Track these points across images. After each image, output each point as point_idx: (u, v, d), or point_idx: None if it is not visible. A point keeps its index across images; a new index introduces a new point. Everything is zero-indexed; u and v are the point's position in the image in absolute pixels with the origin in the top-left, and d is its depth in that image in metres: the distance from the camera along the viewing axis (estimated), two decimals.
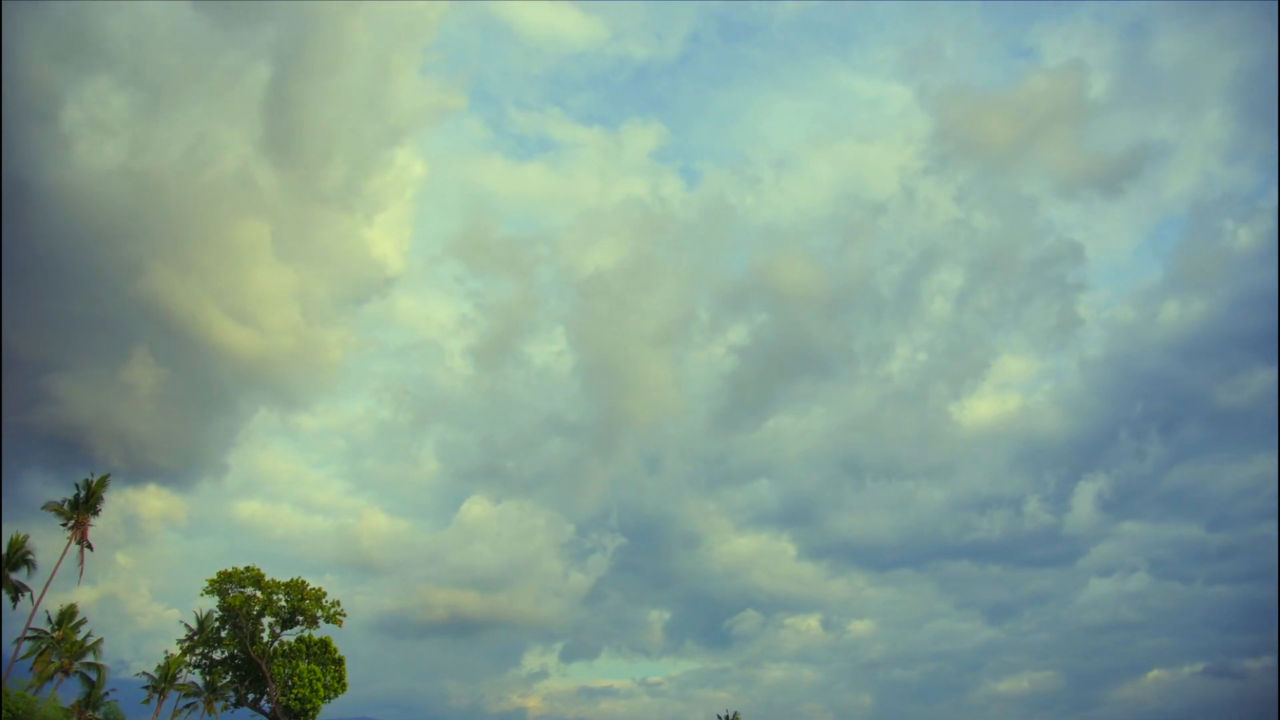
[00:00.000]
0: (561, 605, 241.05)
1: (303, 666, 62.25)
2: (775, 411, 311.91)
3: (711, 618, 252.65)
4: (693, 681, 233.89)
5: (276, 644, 63.29)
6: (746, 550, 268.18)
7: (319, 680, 62.03)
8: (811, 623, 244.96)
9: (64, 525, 60.97)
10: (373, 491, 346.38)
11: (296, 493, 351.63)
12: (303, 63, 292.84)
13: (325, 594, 64.24)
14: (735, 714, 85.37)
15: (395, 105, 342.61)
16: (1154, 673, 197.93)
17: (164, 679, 66.16)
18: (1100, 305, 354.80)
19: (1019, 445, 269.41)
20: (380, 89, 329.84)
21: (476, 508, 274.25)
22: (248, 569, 63.32)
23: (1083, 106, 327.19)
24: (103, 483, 62.40)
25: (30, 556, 58.88)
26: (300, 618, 63.45)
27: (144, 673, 67.01)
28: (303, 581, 64.03)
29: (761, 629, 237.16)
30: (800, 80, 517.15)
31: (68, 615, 62.51)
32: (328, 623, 63.97)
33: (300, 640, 63.83)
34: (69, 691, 62.59)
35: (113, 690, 63.73)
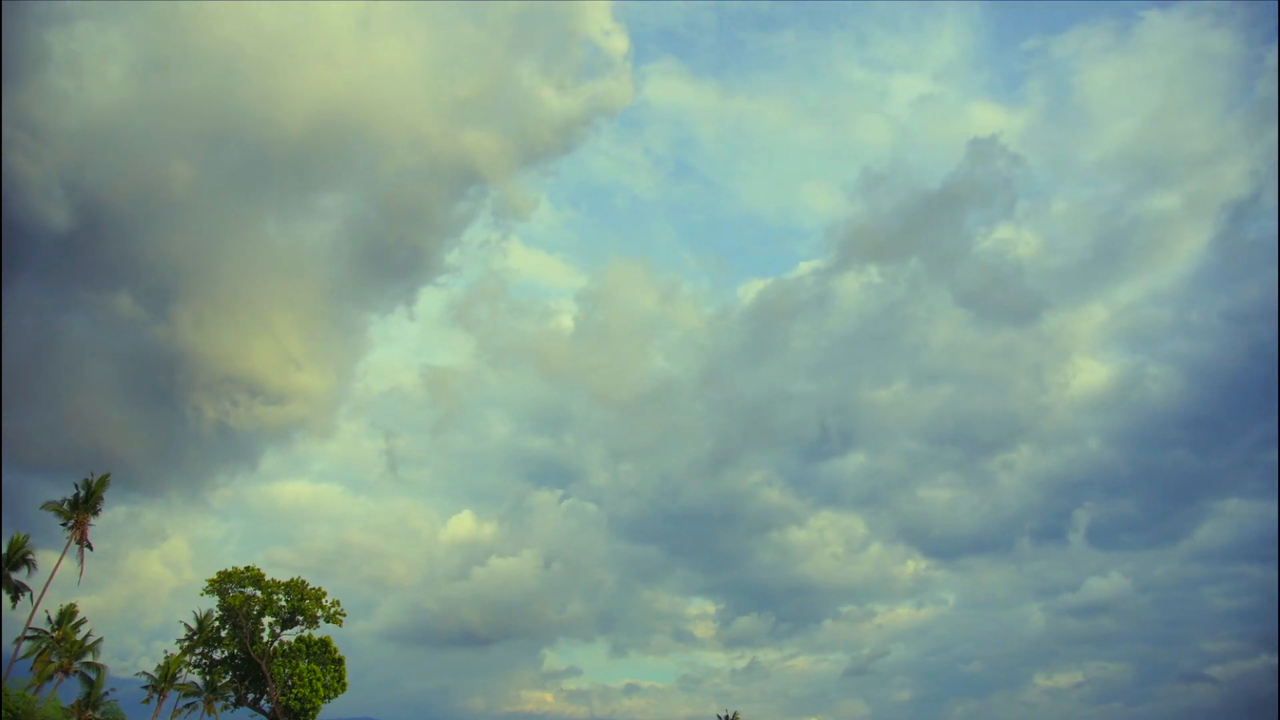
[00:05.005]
0: (602, 601, 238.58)
1: (303, 666, 62.38)
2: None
3: (762, 609, 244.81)
4: (735, 678, 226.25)
5: (276, 644, 63.37)
6: (807, 538, 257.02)
7: (319, 680, 62.15)
8: (869, 611, 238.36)
9: (63, 525, 60.91)
10: (421, 469, 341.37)
11: (342, 473, 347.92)
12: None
13: (325, 593, 64.43)
14: (735, 714, 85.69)
15: None
16: (1241, 664, 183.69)
17: (164, 679, 66.10)
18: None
19: (1121, 418, 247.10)
20: None
21: (526, 500, 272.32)
22: (248, 569, 63.47)
23: None
24: (103, 482, 62.30)
25: (30, 556, 58.82)
26: (300, 617, 63.57)
27: (144, 673, 66.96)
28: (303, 581, 64.20)
29: (818, 620, 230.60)
30: None
31: (67, 615, 62.43)
32: (328, 622, 64.14)
33: (300, 640, 63.94)
34: (69, 691, 62.57)
35: (112, 690, 63.62)
